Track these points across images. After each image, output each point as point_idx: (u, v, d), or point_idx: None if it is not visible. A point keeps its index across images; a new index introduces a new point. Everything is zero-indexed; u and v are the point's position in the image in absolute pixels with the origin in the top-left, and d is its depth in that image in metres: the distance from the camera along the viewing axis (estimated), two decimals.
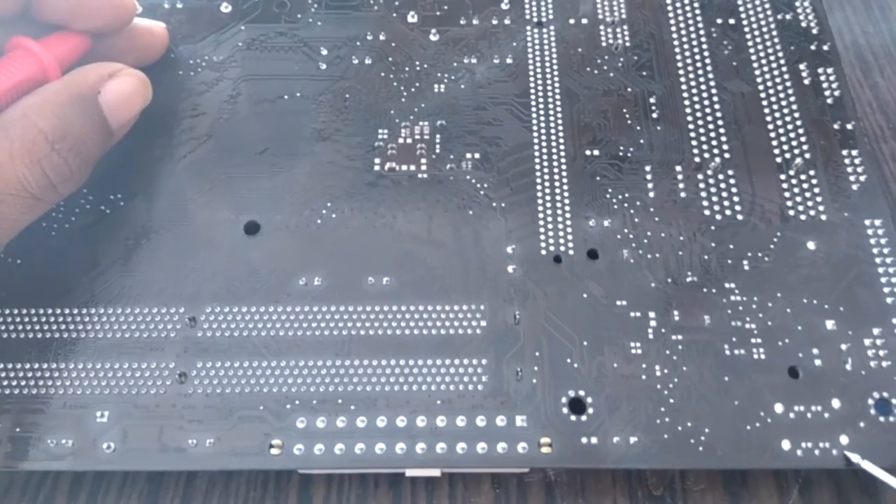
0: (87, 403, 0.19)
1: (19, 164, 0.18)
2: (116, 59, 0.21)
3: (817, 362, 0.19)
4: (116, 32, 0.22)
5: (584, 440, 0.18)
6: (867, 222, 0.21)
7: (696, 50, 0.25)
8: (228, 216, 0.21)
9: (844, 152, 0.22)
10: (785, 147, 0.23)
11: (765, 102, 0.23)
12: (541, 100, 0.23)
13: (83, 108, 0.19)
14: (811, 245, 0.21)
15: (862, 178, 0.22)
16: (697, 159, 0.22)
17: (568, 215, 0.22)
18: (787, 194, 0.22)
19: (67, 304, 0.20)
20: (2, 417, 0.19)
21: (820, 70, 0.24)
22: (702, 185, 0.22)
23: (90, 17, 0.20)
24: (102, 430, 0.19)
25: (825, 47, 0.24)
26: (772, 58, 0.24)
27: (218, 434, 0.19)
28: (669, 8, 0.25)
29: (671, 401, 0.19)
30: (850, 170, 0.22)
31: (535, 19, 0.25)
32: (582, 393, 0.19)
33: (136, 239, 0.21)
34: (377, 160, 0.22)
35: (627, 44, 0.25)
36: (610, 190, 0.22)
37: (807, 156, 0.22)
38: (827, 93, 0.23)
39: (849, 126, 0.23)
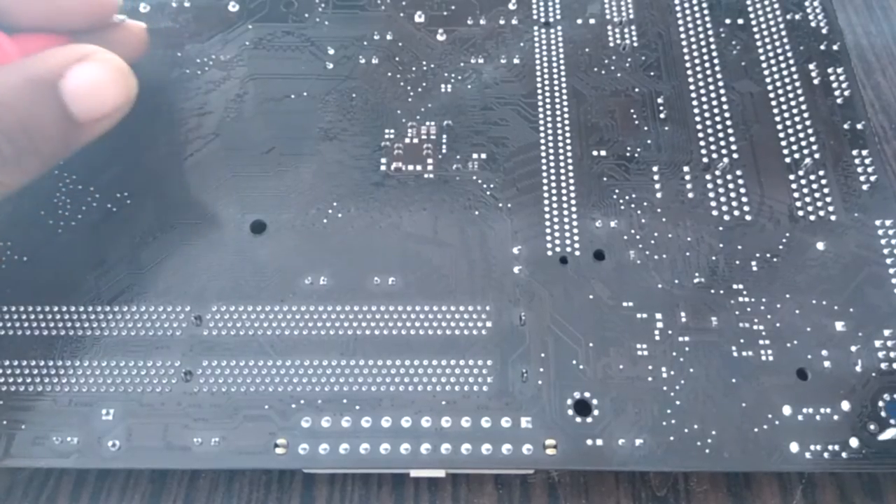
0: (93, 401, 0.19)
1: None
2: None
3: (826, 364, 0.19)
4: (98, 29, 0.20)
5: (589, 442, 0.18)
6: (877, 223, 0.21)
7: (704, 50, 0.24)
8: (234, 215, 0.21)
9: (854, 152, 0.22)
10: (794, 147, 0.22)
11: (774, 102, 0.23)
12: (548, 100, 0.23)
13: (34, 93, 0.17)
14: (820, 245, 0.21)
15: (872, 179, 0.22)
16: (705, 160, 0.22)
17: (574, 216, 0.21)
18: (796, 195, 0.22)
19: (73, 302, 0.20)
20: (7, 414, 0.19)
21: (829, 70, 0.24)
22: (710, 186, 0.22)
23: (66, 16, 0.19)
24: (108, 427, 0.19)
25: (835, 47, 0.24)
26: (781, 58, 0.24)
27: (223, 433, 0.19)
28: (678, 8, 0.25)
29: (677, 403, 0.19)
30: (860, 170, 0.22)
31: (542, 19, 0.25)
32: (588, 395, 0.19)
33: (142, 237, 0.21)
34: (383, 160, 0.22)
35: (635, 44, 0.25)
36: (617, 190, 0.22)
37: (816, 156, 0.22)
38: (837, 93, 0.23)
39: (859, 126, 0.23)
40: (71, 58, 0.18)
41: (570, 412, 0.19)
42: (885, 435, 0.18)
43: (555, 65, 0.24)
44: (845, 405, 0.19)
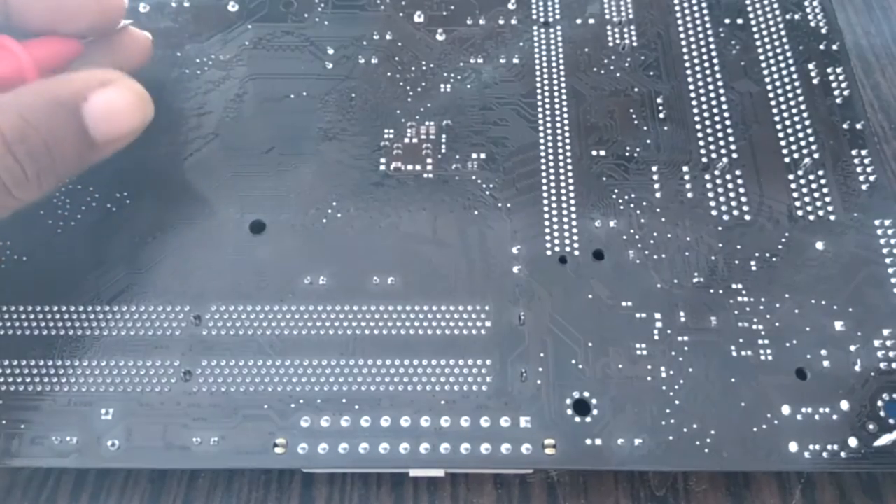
0: (92, 401, 0.19)
1: None
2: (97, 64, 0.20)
3: (825, 364, 0.19)
4: (107, 33, 0.21)
5: (588, 441, 0.18)
6: (877, 223, 0.21)
7: (703, 50, 0.24)
8: (234, 215, 0.21)
9: (854, 152, 0.22)
10: (793, 147, 0.22)
11: (773, 102, 0.23)
12: (547, 100, 0.23)
13: (58, 115, 0.18)
14: (820, 245, 0.21)
15: (871, 179, 0.22)
16: (705, 159, 0.22)
17: (574, 216, 0.21)
18: (795, 194, 0.22)
19: (73, 302, 0.20)
20: (7, 414, 0.19)
21: (829, 70, 0.24)
22: (709, 186, 0.22)
23: (73, 20, 0.19)
24: (107, 427, 0.19)
25: (834, 47, 0.24)
26: (780, 57, 0.24)
27: (222, 432, 0.19)
28: (677, 8, 0.25)
29: (677, 402, 0.19)
30: (859, 170, 0.22)
31: (541, 19, 0.25)
32: (587, 394, 0.19)
33: (141, 237, 0.21)
34: (383, 160, 0.22)
35: (634, 44, 0.25)
36: (616, 190, 0.22)
37: (815, 156, 0.22)
38: (836, 92, 0.23)
39: (858, 126, 0.23)
40: (95, 82, 0.18)
41: (570, 412, 0.19)
42: (881, 441, 0.18)
43: (554, 65, 0.24)
44: (844, 405, 0.19)
